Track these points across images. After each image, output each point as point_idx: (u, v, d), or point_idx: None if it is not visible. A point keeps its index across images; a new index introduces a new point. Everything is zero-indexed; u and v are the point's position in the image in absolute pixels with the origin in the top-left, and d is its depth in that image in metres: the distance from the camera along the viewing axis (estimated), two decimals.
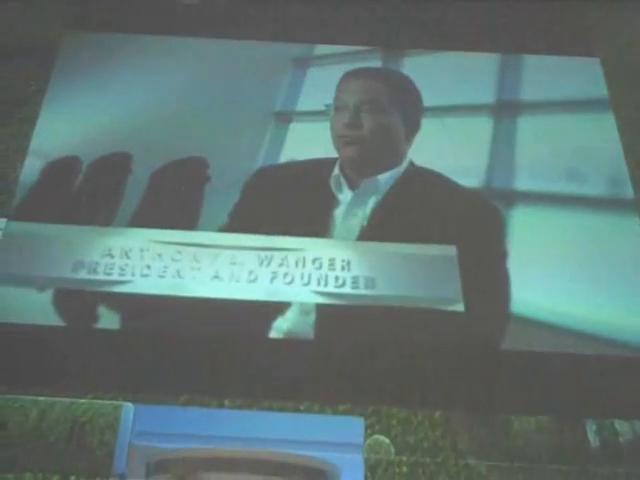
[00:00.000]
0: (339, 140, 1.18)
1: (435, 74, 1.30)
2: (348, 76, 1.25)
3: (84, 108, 1.23)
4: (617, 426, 0.91)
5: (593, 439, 0.90)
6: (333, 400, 0.93)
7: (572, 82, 1.30)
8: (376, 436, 0.90)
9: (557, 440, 0.90)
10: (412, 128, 1.20)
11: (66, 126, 1.20)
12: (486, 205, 1.14)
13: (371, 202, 1.13)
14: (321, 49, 1.34)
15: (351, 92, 1.21)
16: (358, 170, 1.16)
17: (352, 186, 1.14)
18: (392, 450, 0.89)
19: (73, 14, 1.35)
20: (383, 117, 1.18)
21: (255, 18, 1.37)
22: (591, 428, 0.91)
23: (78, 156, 1.16)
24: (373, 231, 1.10)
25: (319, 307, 1.02)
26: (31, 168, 1.14)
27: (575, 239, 1.10)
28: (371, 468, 0.87)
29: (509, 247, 1.08)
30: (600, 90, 1.29)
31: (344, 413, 0.92)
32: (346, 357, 0.98)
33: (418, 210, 1.12)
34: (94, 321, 0.99)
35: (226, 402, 0.92)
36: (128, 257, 1.05)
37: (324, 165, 1.16)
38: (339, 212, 1.12)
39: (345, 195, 1.14)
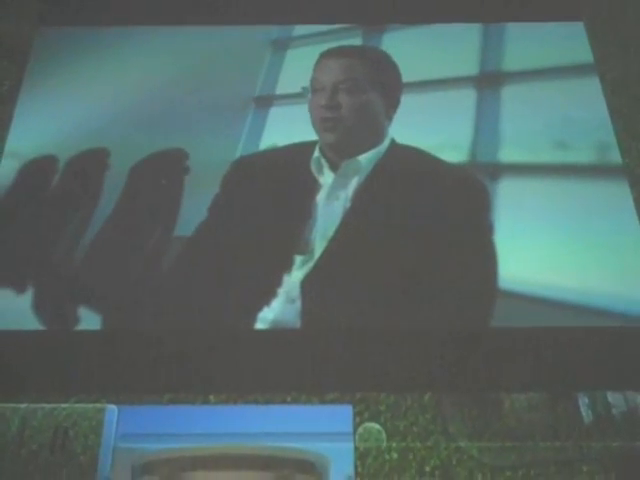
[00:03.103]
0: (318, 123, 1.15)
1: (416, 49, 1.28)
2: (323, 57, 1.21)
3: (59, 105, 1.22)
4: (610, 398, 0.89)
5: (586, 413, 0.88)
6: (320, 389, 0.92)
7: (556, 48, 1.28)
8: (366, 424, 0.88)
9: (550, 417, 0.89)
10: (392, 104, 1.18)
11: (41, 125, 1.19)
12: (471, 180, 1.12)
13: (353, 183, 1.11)
14: (300, 30, 1.32)
15: (327, 72, 1.18)
16: (339, 152, 1.13)
17: (333, 168, 1.12)
18: (383, 437, 0.87)
19: (45, 10, 1.33)
20: (361, 96, 1.15)
21: (231, 1, 1.35)
22: (584, 402, 0.89)
23: (55, 155, 1.15)
24: (356, 213, 1.08)
25: (305, 294, 1.00)
26: (7, 170, 1.13)
27: (563, 209, 1.08)
28: (361, 456, 0.86)
29: (496, 222, 1.07)
30: (585, 55, 1.27)
31: (332, 402, 0.91)
32: (332, 344, 0.96)
33: (401, 189, 1.10)
34: (75, 323, 0.98)
35: (211, 397, 0.91)
36: None
37: (303, 149, 1.14)
38: (321, 196, 1.10)
39: (326, 177, 1.11)
